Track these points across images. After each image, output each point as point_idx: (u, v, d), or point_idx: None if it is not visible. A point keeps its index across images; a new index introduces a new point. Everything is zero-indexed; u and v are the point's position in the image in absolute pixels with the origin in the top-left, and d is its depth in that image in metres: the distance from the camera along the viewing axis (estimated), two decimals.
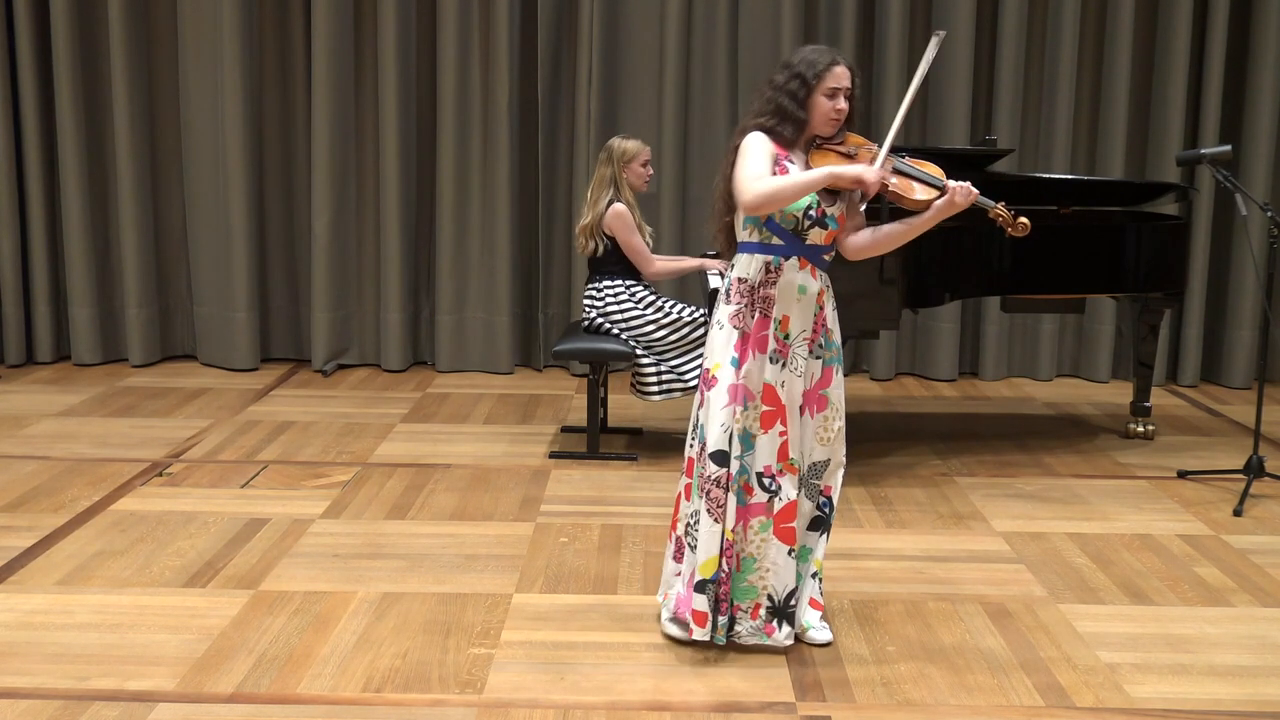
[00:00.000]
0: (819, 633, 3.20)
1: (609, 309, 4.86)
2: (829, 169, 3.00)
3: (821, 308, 3.14)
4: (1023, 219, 3.12)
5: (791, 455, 3.11)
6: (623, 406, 5.61)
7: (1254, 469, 4.52)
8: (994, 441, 5.31)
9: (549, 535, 4.02)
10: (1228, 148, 4.58)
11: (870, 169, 2.99)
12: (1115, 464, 5.00)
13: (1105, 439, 5.40)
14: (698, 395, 3.17)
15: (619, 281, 4.89)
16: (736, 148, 3.10)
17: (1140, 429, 5.41)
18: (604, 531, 4.04)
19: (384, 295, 6.53)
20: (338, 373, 6.55)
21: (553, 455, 4.97)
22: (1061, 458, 5.07)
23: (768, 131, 3.09)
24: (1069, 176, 6.03)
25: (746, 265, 3.11)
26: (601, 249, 4.85)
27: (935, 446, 5.21)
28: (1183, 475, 4.81)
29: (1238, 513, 4.33)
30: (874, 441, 5.27)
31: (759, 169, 3.00)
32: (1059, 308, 5.55)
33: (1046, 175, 5.98)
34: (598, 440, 4.93)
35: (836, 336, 3.20)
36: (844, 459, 3.23)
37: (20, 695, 2.85)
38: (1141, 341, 5.36)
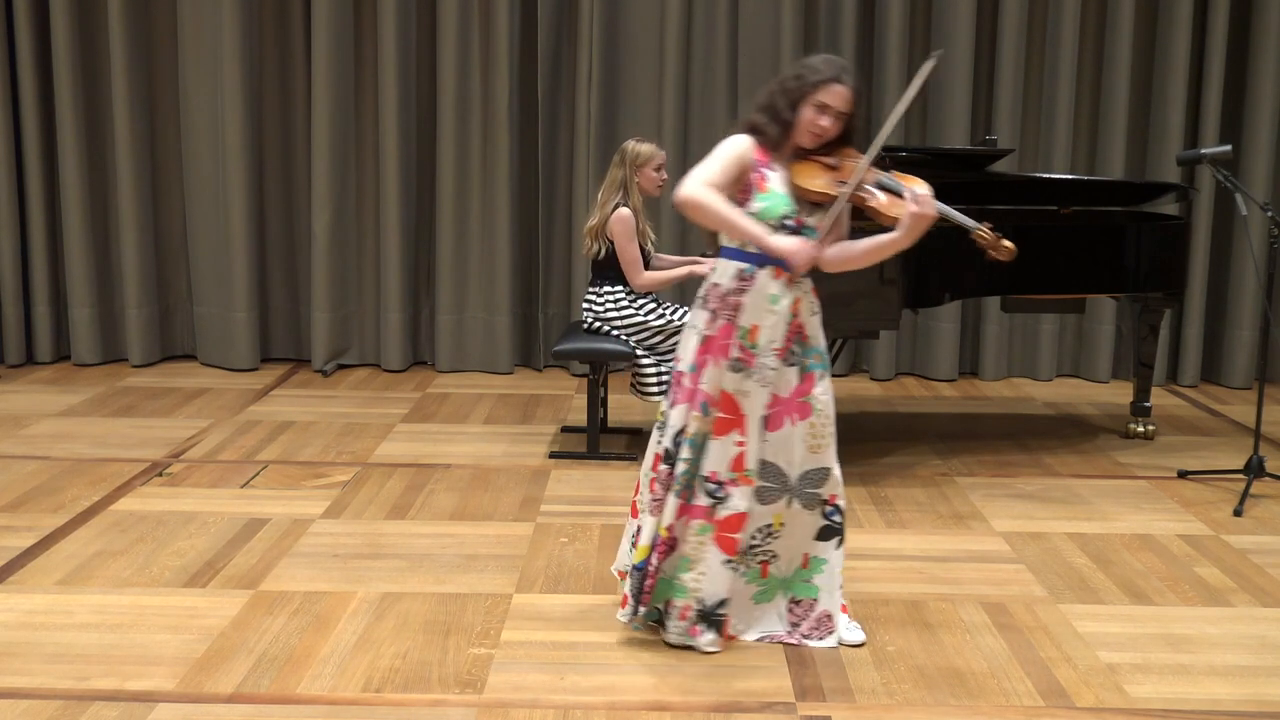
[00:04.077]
0: (852, 633, 3.22)
1: (608, 314, 4.84)
2: (764, 238, 2.97)
3: (796, 316, 3.09)
4: (1006, 242, 3.03)
5: (748, 466, 3.07)
6: (623, 407, 5.60)
7: (1254, 469, 4.52)
8: (994, 441, 5.31)
9: (549, 535, 4.02)
10: (1228, 148, 4.57)
11: (800, 251, 2.95)
12: (1115, 464, 4.99)
13: (1105, 439, 5.40)
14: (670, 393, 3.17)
15: (620, 287, 4.84)
16: None
17: (1140, 429, 5.41)
18: (604, 532, 4.03)
19: (384, 295, 6.53)
20: (338, 373, 6.54)
21: (553, 455, 4.97)
22: (1061, 458, 5.07)
23: (754, 130, 3.07)
24: (1069, 176, 6.02)
25: (724, 271, 3.11)
26: (604, 252, 4.80)
27: (935, 446, 5.21)
28: (1183, 475, 4.81)
29: (1238, 513, 4.33)
30: (874, 441, 5.27)
31: (710, 172, 3.01)
32: (1059, 308, 5.55)
33: (1046, 175, 5.97)
34: (598, 440, 4.92)
35: (818, 341, 3.14)
36: (837, 465, 3.21)
37: (20, 695, 2.85)
38: (1141, 341, 5.36)
